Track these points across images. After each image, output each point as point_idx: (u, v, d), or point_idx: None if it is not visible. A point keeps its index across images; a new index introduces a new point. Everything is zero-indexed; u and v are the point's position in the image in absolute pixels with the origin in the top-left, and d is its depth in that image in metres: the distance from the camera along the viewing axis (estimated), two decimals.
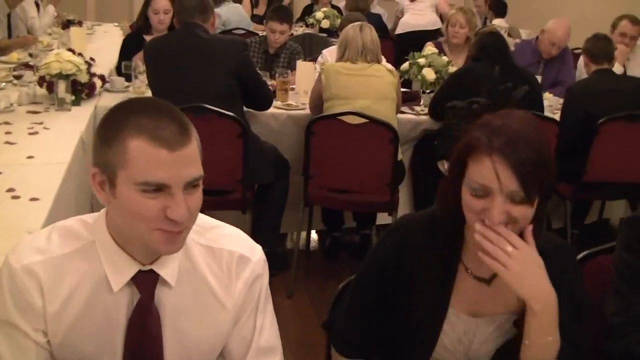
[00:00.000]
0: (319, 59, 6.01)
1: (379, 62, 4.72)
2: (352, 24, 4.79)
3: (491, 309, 1.95)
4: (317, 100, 4.71)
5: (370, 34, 4.68)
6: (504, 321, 1.95)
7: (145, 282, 1.71)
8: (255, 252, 1.84)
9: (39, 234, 1.75)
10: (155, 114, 1.57)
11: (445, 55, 5.83)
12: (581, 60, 5.48)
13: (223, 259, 1.79)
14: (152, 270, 1.70)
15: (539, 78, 5.63)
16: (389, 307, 1.99)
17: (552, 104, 5.66)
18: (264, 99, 4.70)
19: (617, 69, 5.63)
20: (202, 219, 1.81)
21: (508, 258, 1.74)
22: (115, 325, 1.72)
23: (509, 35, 7.69)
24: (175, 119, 1.57)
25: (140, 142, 1.54)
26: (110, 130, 1.59)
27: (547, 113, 5.16)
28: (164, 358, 1.76)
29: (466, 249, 1.95)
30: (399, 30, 8.90)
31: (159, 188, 1.55)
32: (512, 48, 6.24)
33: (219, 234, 1.82)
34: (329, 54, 5.93)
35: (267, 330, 1.88)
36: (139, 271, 1.69)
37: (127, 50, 5.65)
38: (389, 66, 4.81)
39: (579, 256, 2.26)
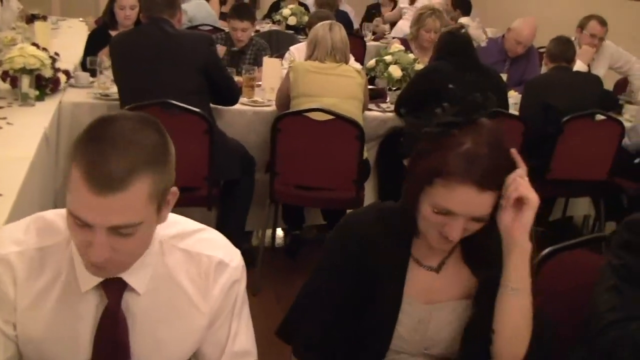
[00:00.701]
0: (287, 55, 5.99)
1: (347, 61, 4.73)
2: (321, 23, 4.79)
3: (443, 296, 2.01)
4: (284, 98, 4.71)
5: (340, 33, 4.69)
6: (457, 306, 2.01)
7: (113, 289, 1.69)
8: (234, 258, 1.83)
9: (18, 225, 1.73)
10: (108, 145, 1.49)
11: (411, 52, 5.85)
12: None
13: (202, 264, 1.77)
14: (120, 278, 1.68)
15: (504, 76, 5.67)
16: (345, 303, 2.01)
17: (517, 102, 5.69)
18: (231, 95, 4.69)
19: (582, 68, 5.70)
20: (185, 222, 1.82)
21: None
22: (82, 328, 1.70)
23: (483, 32, 7.74)
24: (122, 158, 1.48)
25: (78, 174, 1.48)
26: (76, 143, 1.54)
27: (512, 111, 5.20)
28: None
29: (415, 241, 2.00)
30: (394, 34, 8.89)
31: (84, 224, 1.51)
32: (483, 44, 6.30)
33: (198, 239, 1.80)
34: (297, 51, 5.91)
35: (242, 335, 1.87)
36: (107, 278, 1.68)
37: (93, 45, 5.61)
38: (357, 66, 4.83)
39: (543, 252, 2.28)
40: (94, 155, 1.48)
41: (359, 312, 2.00)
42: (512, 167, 1.82)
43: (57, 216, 1.71)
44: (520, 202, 1.83)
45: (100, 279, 1.66)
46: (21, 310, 1.68)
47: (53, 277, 1.68)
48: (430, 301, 2.00)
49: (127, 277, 1.68)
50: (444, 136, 1.80)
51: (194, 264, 1.77)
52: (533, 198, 1.83)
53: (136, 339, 1.73)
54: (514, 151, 1.84)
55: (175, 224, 1.80)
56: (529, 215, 1.84)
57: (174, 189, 1.64)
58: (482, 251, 1.96)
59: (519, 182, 1.81)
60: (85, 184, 1.46)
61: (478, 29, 7.01)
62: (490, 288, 1.91)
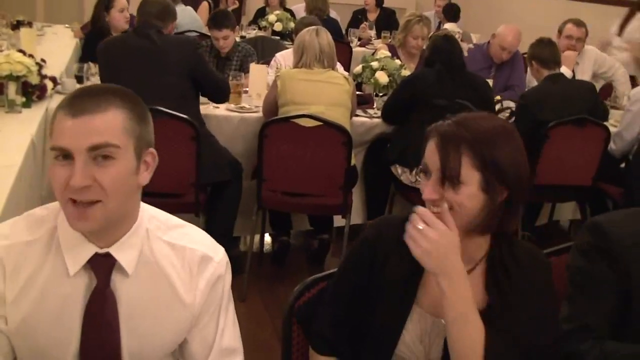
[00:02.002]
0: (272, 62, 5.99)
1: (334, 67, 4.74)
2: (307, 29, 4.79)
3: None
4: (272, 106, 4.71)
5: (327, 37, 4.70)
6: None
7: (102, 267, 1.71)
8: (217, 253, 1.86)
9: (5, 222, 1.77)
10: (88, 90, 1.70)
11: (398, 59, 5.86)
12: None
13: (185, 256, 1.81)
14: (109, 254, 1.71)
15: (490, 82, 5.69)
16: (360, 301, 2.02)
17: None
18: (221, 93, 4.72)
19: (567, 73, 5.71)
20: (167, 217, 1.85)
21: (418, 234, 1.79)
22: (70, 313, 1.72)
23: (462, 40, 7.76)
24: (98, 94, 1.65)
25: (59, 112, 1.63)
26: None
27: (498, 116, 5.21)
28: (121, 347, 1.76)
29: None
30: None
31: (66, 155, 1.58)
32: (466, 53, 6.31)
33: (182, 233, 1.84)
34: (283, 58, 5.92)
35: (229, 331, 1.90)
36: (96, 254, 1.70)
37: (90, 52, 5.63)
38: (345, 73, 4.83)
39: None
40: (77, 94, 1.67)
41: (369, 311, 2.00)
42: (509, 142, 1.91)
43: (43, 209, 1.77)
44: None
45: (88, 257, 1.69)
46: (10, 302, 1.70)
47: (38, 264, 1.71)
48: (440, 314, 1.93)
49: (115, 252, 1.71)
50: None
51: (179, 256, 1.80)
52: (411, 246, 1.82)
53: (121, 322, 1.75)
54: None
55: (159, 217, 1.84)
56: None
57: (153, 150, 1.73)
58: (503, 276, 1.92)
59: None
60: (64, 112, 1.61)
61: (458, 37, 7.04)
62: (497, 313, 1.88)
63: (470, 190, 1.81)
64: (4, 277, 1.69)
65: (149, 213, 1.82)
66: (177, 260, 1.80)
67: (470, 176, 1.81)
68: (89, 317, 1.72)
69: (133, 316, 1.76)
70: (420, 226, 1.78)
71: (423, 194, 1.85)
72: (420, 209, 1.81)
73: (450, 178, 1.80)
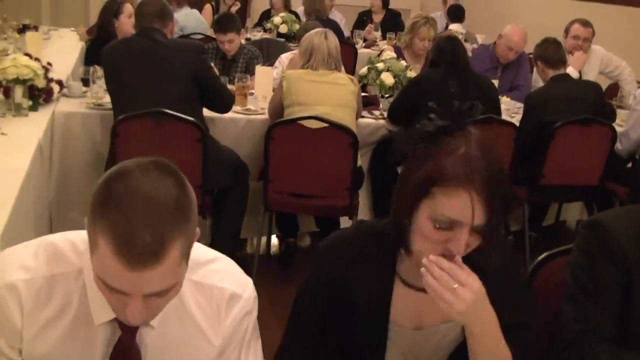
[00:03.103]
0: (277, 64, 5.99)
1: (340, 69, 4.75)
2: (315, 31, 4.80)
3: (434, 319, 1.89)
4: (277, 107, 4.71)
5: (334, 40, 4.72)
6: (449, 330, 1.90)
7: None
8: (246, 289, 1.79)
9: (26, 249, 1.68)
10: (131, 211, 1.43)
11: (404, 60, 5.86)
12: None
13: (213, 296, 1.74)
14: None
15: (496, 82, 5.69)
16: (330, 332, 1.93)
17: (509, 108, 5.72)
18: (223, 102, 4.68)
19: (573, 74, 5.70)
20: (198, 251, 1.74)
21: (453, 296, 1.66)
22: (91, 358, 1.68)
23: (465, 40, 7.76)
24: (151, 228, 1.42)
25: (106, 245, 1.43)
26: (95, 203, 1.48)
27: (504, 117, 5.21)
28: None
29: (402, 260, 1.88)
30: None
31: (117, 290, 1.48)
32: (470, 54, 6.30)
33: (210, 270, 1.76)
34: (287, 59, 5.92)
35: None
36: None
37: (92, 58, 5.64)
38: (350, 76, 4.84)
39: (538, 258, 2.29)
40: (119, 226, 1.42)
41: (344, 340, 1.92)
42: (506, 175, 1.72)
43: (66, 243, 1.66)
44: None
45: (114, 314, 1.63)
46: (28, 339, 1.65)
47: (62, 306, 1.65)
48: (419, 326, 1.89)
49: None
50: (434, 144, 1.70)
51: (205, 296, 1.74)
52: (448, 310, 1.69)
53: None
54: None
55: (192, 253, 1.74)
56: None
57: (197, 230, 1.60)
58: (476, 271, 1.79)
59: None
60: (116, 258, 1.42)
61: (461, 38, 7.03)
62: None
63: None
64: (22, 313, 1.62)
65: None
66: (205, 300, 1.74)
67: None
68: None
69: None
70: (455, 285, 1.66)
71: (456, 250, 1.67)
72: (446, 265, 1.68)
73: (485, 228, 1.68)
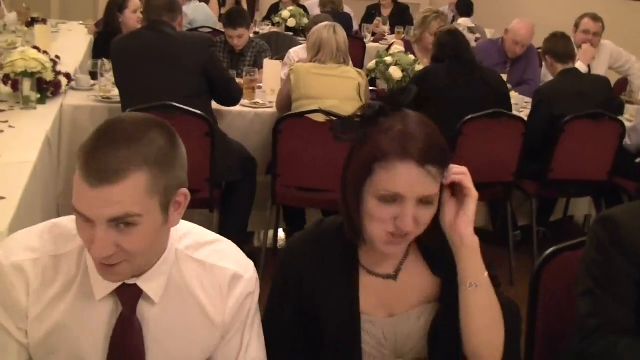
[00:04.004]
0: (286, 59, 5.98)
1: (348, 62, 4.74)
2: (323, 24, 4.78)
3: (406, 304, 1.91)
4: (285, 101, 4.71)
5: (343, 34, 4.72)
6: (422, 311, 1.91)
7: (128, 296, 1.68)
8: (248, 270, 1.82)
9: (33, 231, 1.72)
10: (108, 139, 1.51)
11: (413, 54, 5.85)
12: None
13: (215, 276, 1.76)
14: (136, 285, 1.67)
15: (505, 77, 5.66)
16: (304, 337, 1.93)
17: (517, 103, 5.70)
18: (232, 96, 4.68)
19: (582, 68, 5.69)
20: (202, 233, 1.81)
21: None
22: (94, 335, 1.69)
23: (471, 32, 7.74)
24: (119, 152, 1.49)
25: (78, 168, 1.51)
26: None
27: (512, 111, 5.19)
28: None
29: (362, 250, 1.91)
30: None
31: (86, 219, 1.51)
32: (474, 44, 6.29)
33: (213, 250, 1.79)
34: (296, 54, 5.91)
35: (253, 346, 1.85)
36: (123, 284, 1.67)
37: (99, 51, 5.65)
38: (358, 69, 4.83)
39: (546, 253, 2.28)
40: (92, 148, 1.50)
41: (318, 340, 1.90)
42: (446, 146, 1.76)
43: (72, 222, 1.67)
44: (461, 195, 1.80)
45: (115, 286, 1.66)
46: (33, 317, 1.67)
47: (66, 283, 1.67)
48: (391, 312, 1.90)
49: (142, 283, 1.68)
50: (372, 125, 1.77)
51: (208, 276, 1.76)
52: (472, 189, 1.79)
53: (148, 346, 1.72)
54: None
55: (190, 233, 1.80)
56: (471, 208, 1.79)
57: (184, 190, 1.64)
58: (440, 249, 1.87)
59: (458, 169, 1.77)
60: (83, 177, 1.49)
61: (463, 30, 7.01)
62: (454, 287, 1.85)
63: (435, 204, 1.77)
64: (28, 293, 1.65)
65: (183, 230, 1.77)
66: (207, 280, 1.75)
67: (436, 190, 1.75)
68: (115, 344, 1.69)
69: (160, 340, 1.73)
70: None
71: (402, 225, 1.71)
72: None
73: (429, 199, 1.73)
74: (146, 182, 1.52)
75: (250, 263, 1.85)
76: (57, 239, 1.69)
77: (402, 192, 1.69)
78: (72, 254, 1.68)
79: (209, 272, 1.76)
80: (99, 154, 1.49)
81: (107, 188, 1.48)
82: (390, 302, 1.91)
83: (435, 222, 1.81)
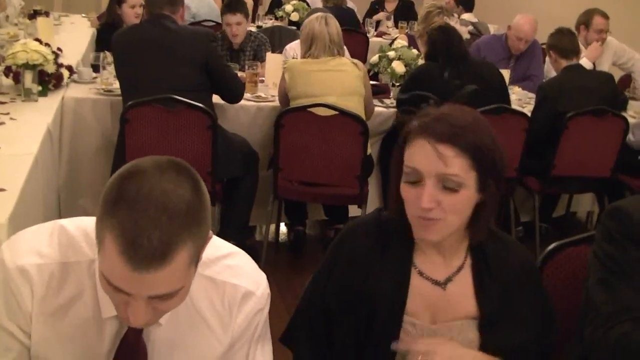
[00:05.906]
0: (283, 54, 5.94)
1: (343, 54, 4.70)
2: (315, 16, 4.75)
3: (449, 315, 1.88)
4: (285, 96, 4.71)
5: (336, 25, 4.67)
6: (464, 328, 1.88)
7: None
8: (260, 286, 1.76)
9: (39, 234, 1.65)
10: (141, 213, 1.38)
11: (416, 49, 5.83)
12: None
13: (226, 293, 1.71)
14: None
15: (508, 72, 5.64)
16: (345, 319, 1.92)
17: (520, 98, 5.70)
18: (234, 91, 4.66)
19: (587, 65, 5.67)
20: (217, 246, 1.72)
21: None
22: (97, 351, 1.66)
23: (470, 25, 7.71)
24: (159, 231, 1.38)
25: (112, 244, 1.39)
26: (105, 200, 1.44)
27: (515, 107, 5.18)
28: None
29: (417, 250, 1.90)
30: None
31: (122, 291, 1.45)
32: (468, 36, 6.26)
33: (225, 265, 1.72)
34: (292, 49, 5.89)
35: None
36: None
37: (100, 45, 5.63)
38: (354, 59, 4.79)
39: (548, 248, 2.27)
40: (127, 227, 1.38)
41: (358, 327, 1.90)
42: (483, 142, 1.75)
43: (80, 232, 1.64)
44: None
45: None
46: (37, 326, 1.63)
47: (73, 296, 1.63)
48: (435, 320, 1.88)
49: None
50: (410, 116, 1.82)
51: (219, 292, 1.71)
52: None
53: None
54: None
55: (207, 247, 1.70)
56: None
57: (210, 234, 1.56)
58: (490, 279, 1.87)
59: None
60: (121, 259, 1.38)
61: (459, 24, 6.96)
62: (491, 320, 1.85)
63: (469, 193, 1.75)
64: (32, 298, 1.60)
65: None
66: (217, 296, 1.70)
67: (469, 177, 1.73)
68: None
69: (163, 358, 1.70)
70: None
71: (421, 201, 1.71)
72: (399, 346, 1.77)
73: (451, 182, 1.72)
74: (189, 255, 1.44)
75: (263, 277, 1.79)
76: (65, 246, 1.63)
77: (419, 167, 1.72)
78: (80, 266, 1.63)
79: (219, 289, 1.71)
80: (136, 236, 1.37)
81: (152, 273, 1.39)
82: (435, 309, 1.89)
83: (477, 217, 1.83)
